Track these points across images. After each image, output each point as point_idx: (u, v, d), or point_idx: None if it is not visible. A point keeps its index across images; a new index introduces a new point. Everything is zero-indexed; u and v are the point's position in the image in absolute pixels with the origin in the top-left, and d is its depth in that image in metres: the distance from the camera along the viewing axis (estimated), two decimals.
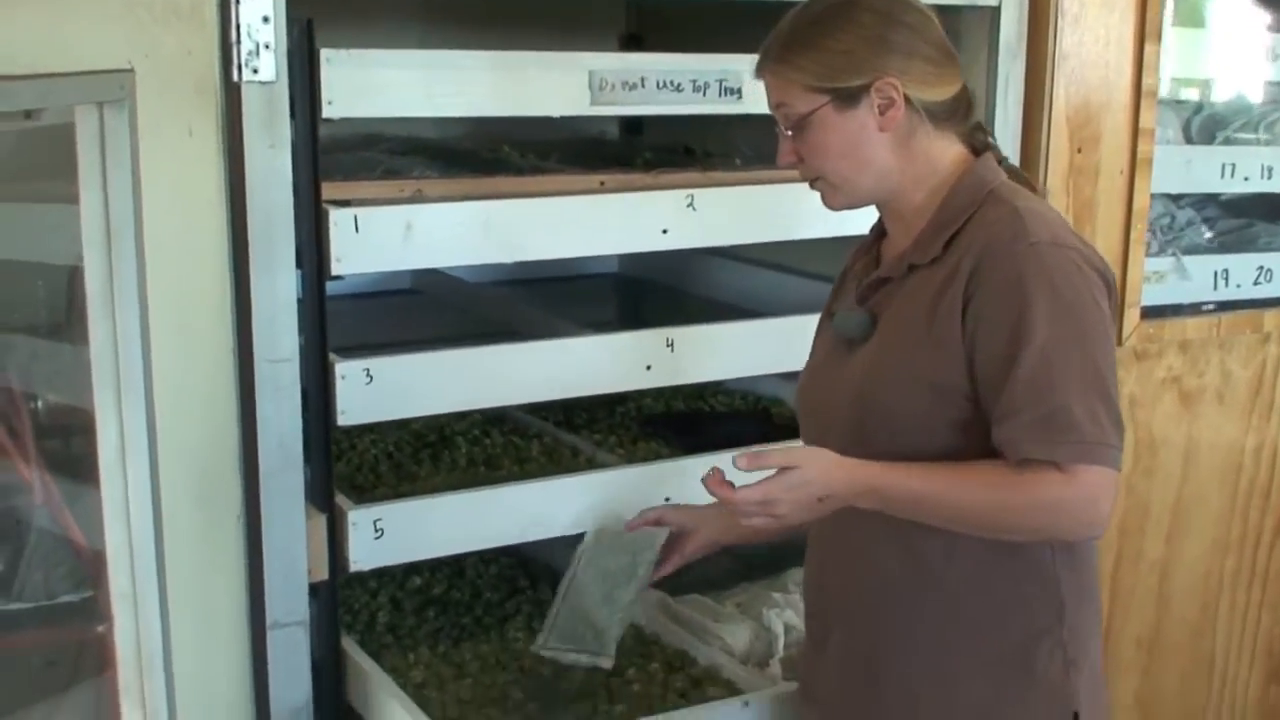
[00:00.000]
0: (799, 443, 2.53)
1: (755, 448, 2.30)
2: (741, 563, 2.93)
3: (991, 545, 1.92)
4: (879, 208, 2.08)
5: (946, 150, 1.99)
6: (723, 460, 1.98)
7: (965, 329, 1.88)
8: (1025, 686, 1.96)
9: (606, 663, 2.26)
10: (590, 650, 2.28)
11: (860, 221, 2.61)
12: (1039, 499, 1.85)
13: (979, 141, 2.04)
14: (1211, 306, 3.23)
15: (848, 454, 1.95)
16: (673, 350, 2.56)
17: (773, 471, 1.89)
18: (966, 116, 2.02)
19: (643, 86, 2.50)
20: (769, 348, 2.66)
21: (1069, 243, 1.89)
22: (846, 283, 2.18)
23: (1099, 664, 2.05)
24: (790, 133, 1.98)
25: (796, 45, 1.96)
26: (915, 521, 1.92)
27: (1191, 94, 3.37)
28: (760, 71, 2.02)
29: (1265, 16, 3.36)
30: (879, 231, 2.14)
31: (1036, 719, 1.98)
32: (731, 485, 1.92)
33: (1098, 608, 2.07)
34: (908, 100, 1.94)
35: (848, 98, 1.94)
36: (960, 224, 1.94)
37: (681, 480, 2.50)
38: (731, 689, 2.44)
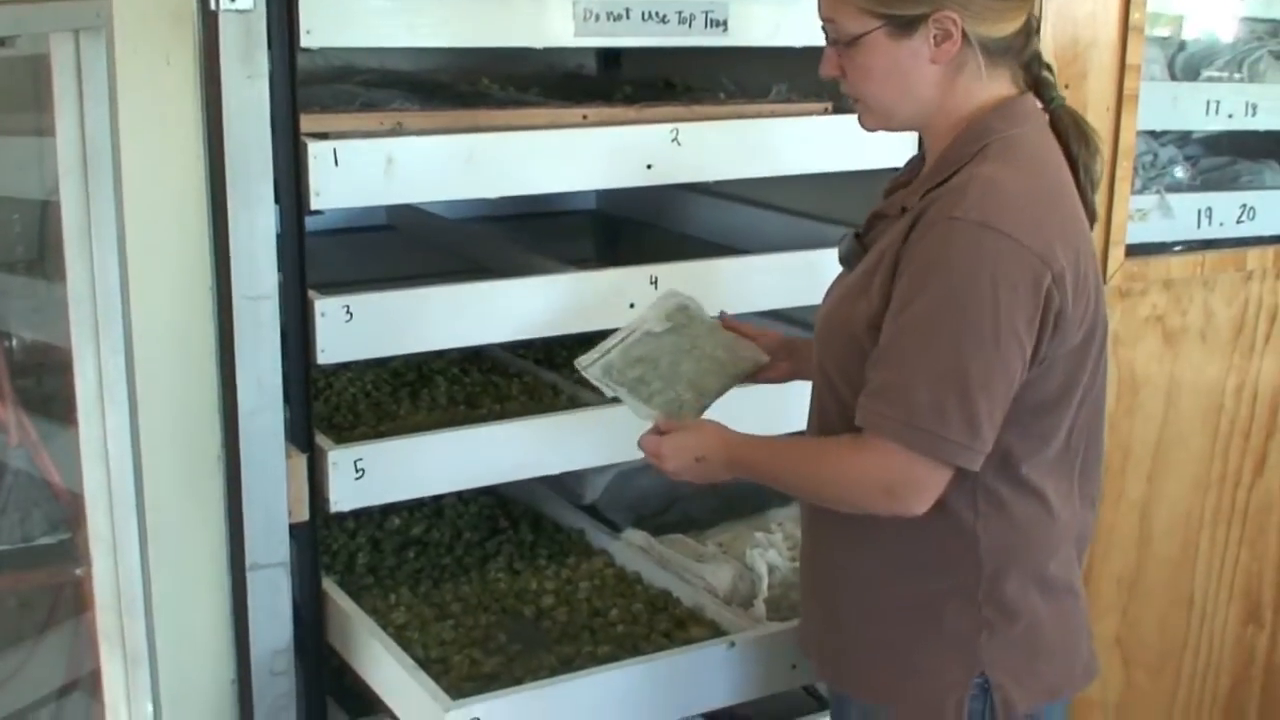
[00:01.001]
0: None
1: None
2: (723, 501, 2.91)
3: None
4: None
5: (987, 88, 1.91)
6: None
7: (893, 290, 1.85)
8: (934, 637, 1.95)
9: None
10: (652, 405, 2.16)
11: (851, 158, 2.60)
12: (834, 475, 1.90)
13: (1030, 76, 1.95)
14: (1180, 248, 3.20)
15: (814, 375, 2.02)
16: (656, 288, 2.52)
17: None
18: (1024, 50, 1.94)
19: (627, 18, 2.45)
20: (755, 286, 2.63)
21: (1002, 226, 1.78)
22: None
23: (1050, 644, 1.99)
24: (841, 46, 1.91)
25: None
26: None
27: (1164, 30, 3.34)
28: None
29: None
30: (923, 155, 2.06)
31: (941, 669, 1.95)
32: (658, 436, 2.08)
33: (1049, 582, 1.98)
34: (964, 35, 1.86)
35: (903, 25, 1.86)
36: (942, 178, 1.87)
37: None
38: (716, 629, 2.43)
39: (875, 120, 1.96)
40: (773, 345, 2.28)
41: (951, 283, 1.78)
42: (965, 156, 1.88)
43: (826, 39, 1.94)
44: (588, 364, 2.18)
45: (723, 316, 2.29)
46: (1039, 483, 1.93)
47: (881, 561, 1.98)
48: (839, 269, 2.09)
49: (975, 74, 1.89)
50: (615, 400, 2.64)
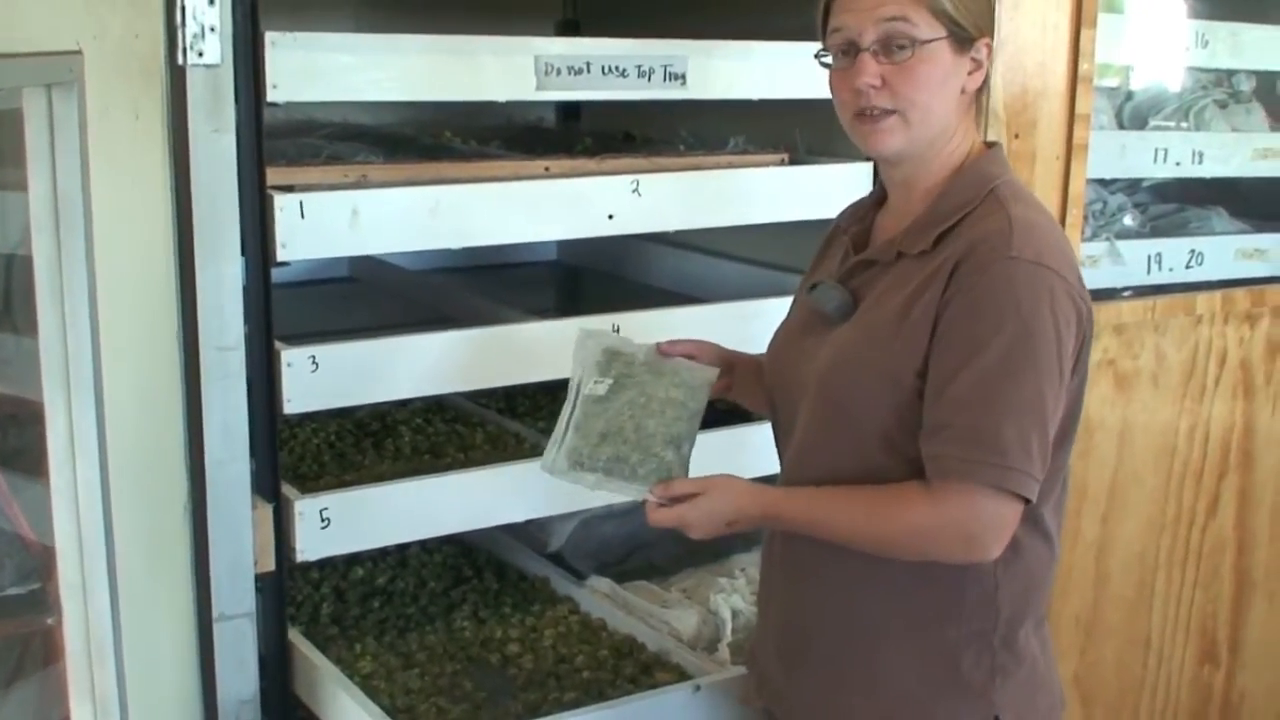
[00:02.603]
0: (744, 429, 2.56)
1: None
2: (686, 548, 2.93)
3: None
4: (889, 171, 2.01)
5: (970, 132, 1.96)
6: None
7: (935, 331, 1.83)
8: (948, 684, 1.95)
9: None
10: (639, 480, 2.03)
11: (807, 208, 2.64)
12: (906, 526, 1.85)
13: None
14: (1130, 293, 3.26)
15: (810, 429, 1.98)
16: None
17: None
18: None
19: (588, 72, 2.48)
20: (716, 333, 2.64)
21: (1052, 263, 1.82)
22: (832, 248, 2.13)
23: (1044, 677, 2.02)
24: (884, 54, 1.87)
25: None
26: None
27: (1111, 81, 3.41)
28: None
29: (1181, 3, 3.39)
30: (877, 197, 2.08)
31: (956, 718, 1.96)
32: (666, 505, 1.98)
33: (1041, 618, 2.03)
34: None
35: (961, 42, 1.88)
36: (954, 220, 1.89)
37: None
38: (681, 674, 2.45)
39: (903, 138, 1.91)
40: (713, 359, 2.19)
41: (1022, 319, 1.79)
42: (974, 199, 1.90)
43: (860, 48, 1.88)
44: (551, 462, 2.07)
45: (659, 347, 2.17)
46: (1049, 524, 1.95)
47: (893, 611, 1.96)
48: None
49: (970, 115, 1.95)
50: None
